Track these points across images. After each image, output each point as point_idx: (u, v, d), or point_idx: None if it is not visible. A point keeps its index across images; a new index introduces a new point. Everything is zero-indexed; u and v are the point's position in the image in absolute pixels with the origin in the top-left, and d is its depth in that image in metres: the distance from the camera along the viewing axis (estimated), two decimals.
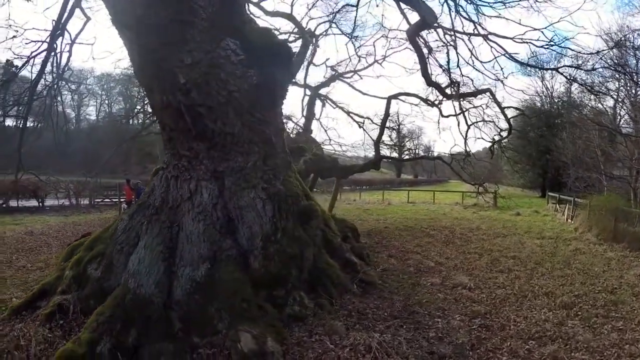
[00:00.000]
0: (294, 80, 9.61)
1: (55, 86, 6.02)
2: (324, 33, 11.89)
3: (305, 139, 12.13)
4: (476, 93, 10.28)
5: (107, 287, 3.77)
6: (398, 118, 28.83)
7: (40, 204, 14.40)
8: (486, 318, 4.52)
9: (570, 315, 4.63)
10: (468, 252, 7.92)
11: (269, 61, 4.63)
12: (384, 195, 23.16)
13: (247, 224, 4.65)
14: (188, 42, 3.99)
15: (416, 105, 11.68)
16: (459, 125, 12.28)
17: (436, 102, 10.90)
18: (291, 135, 12.00)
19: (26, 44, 5.82)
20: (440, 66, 9.80)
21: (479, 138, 27.11)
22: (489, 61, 13.16)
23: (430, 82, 9.32)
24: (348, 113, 12.80)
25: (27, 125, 6.15)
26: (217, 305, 3.83)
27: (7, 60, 6.88)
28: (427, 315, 4.65)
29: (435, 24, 7.88)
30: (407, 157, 36.87)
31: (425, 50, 8.79)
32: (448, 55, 10.93)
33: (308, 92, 11.99)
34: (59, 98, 6.57)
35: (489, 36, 8.39)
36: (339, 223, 7.20)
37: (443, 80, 10.10)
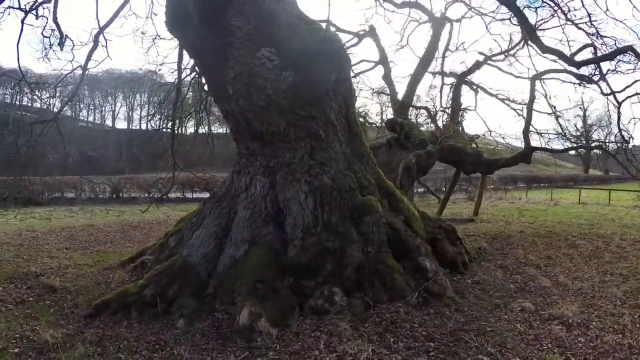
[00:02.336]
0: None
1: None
2: (462, 17, 10.44)
3: (451, 131, 10.99)
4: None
5: (176, 254, 5.07)
6: (583, 104, 21.14)
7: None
8: None
9: None
10: (610, 273, 5.71)
11: (304, 60, 4.87)
12: (552, 195, 19.77)
13: (292, 215, 5.05)
14: (229, 59, 4.83)
15: (579, 84, 8.30)
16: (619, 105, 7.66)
17: (594, 76, 7.39)
18: (429, 127, 11.16)
19: None
20: None
21: None
22: None
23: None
24: (503, 100, 10.59)
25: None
26: (241, 281, 4.45)
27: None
28: (474, 348, 3.65)
29: None
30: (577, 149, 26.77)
31: None
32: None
33: (448, 80, 10.82)
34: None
35: None
36: (429, 223, 6.35)
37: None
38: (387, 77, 11.89)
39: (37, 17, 5.75)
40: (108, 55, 6.45)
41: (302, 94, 4.96)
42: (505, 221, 10.53)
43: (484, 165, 9.48)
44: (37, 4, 6.06)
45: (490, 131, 11.19)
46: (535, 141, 9.76)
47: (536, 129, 9.81)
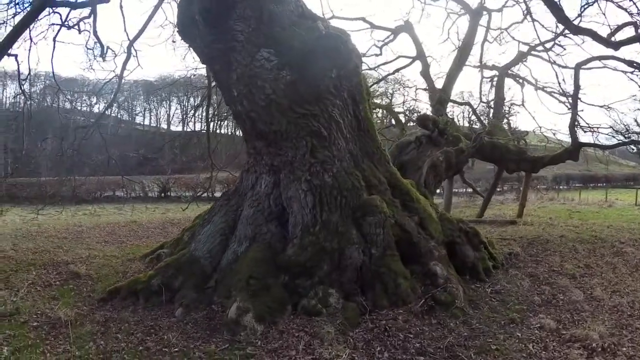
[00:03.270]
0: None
1: None
2: (504, 6, 9.55)
3: (487, 127, 10.23)
4: None
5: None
6: None
7: None
8: None
9: None
10: None
11: (302, 58, 4.90)
12: (608, 195, 18.45)
13: (294, 214, 5.14)
14: (232, 63, 5.04)
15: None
16: None
17: None
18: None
19: None
20: None
21: None
22: None
23: None
24: (551, 93, 9.48)
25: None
26: (238, 277, 4.61)
27: None
28: None
29: None
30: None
31: None
32: None
33: (487, 73, 10.00)
34: None
35: None
36: (449, 225, 5.97)
37: None
38: (425, 73, 11.45)
39: (79, 31, 6.57)
40: (139, 65, 7.17)
41: (301, 91, 4.99)
42: (550, 224, 9.52)
43: (528, 163, 8.67)
44: (78, 20, 6.96)
45: (540, 127, 10.13)
46: (585, 137, 8.70)
47: (588, 124, 8.68)
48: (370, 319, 4.24)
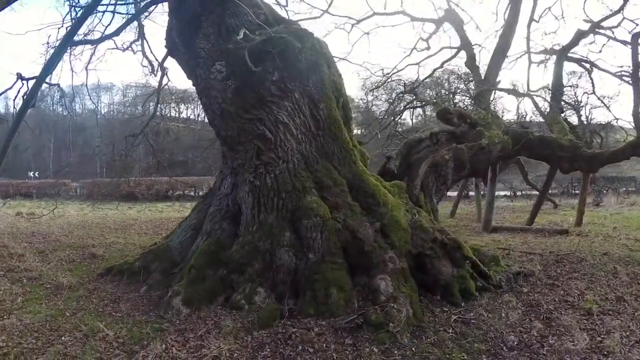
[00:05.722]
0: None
1: None
2: None
3: (550, 119, 8.62)
4: None
5: None
6: None
7: None
8: None
9: None
10: None
11: (245, 65, 5.36)
12: None
13: (244, 214, 5.74)
14: (197, 77, 5.91)
15: None
16: None
17: None
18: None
19: None
20: None
21: None
22: None
23: None
24: (621, 77, 7.20)
25: None
26: (187, 266, 5.56)
27: None
28: None
29: None
30: None
31: None
32: None
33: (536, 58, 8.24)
34: None
35: None
36: (421, 235, 5.59)
37: None
38: (470, 63, 10.38)
39: (134, 52, 8.62)
40: (169, 80, 8.85)
41: (246, 97, 5.48)
42: (609, 235, 7.66)
43: (584, 161, 7.10)
44: (130, 43, 9.01)
45: (617, 119, 8.01)
46: None
47: None
48: (284, 324, 4.34)
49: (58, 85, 6.91)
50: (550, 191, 15.19)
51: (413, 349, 3.91)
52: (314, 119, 5.88)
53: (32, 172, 30.30)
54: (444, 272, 5.28)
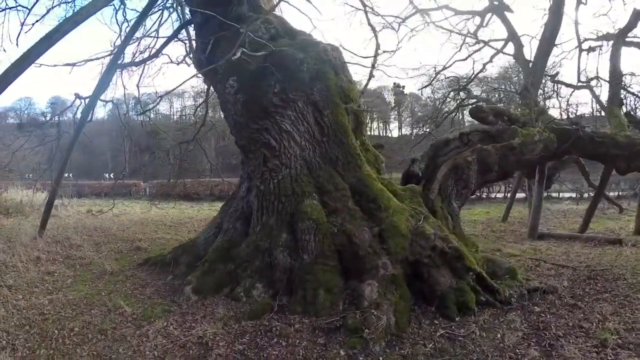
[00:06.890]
0: None
1: None
2: None
3: (608, 113, 7.63)
4: None
5: None
6: None
7: None
8: None
9: None
10: None
11: (251, 79, 5.95)
12: None
13: (253, 215, 6.33)
14: (218, 92, 6.70)
15: None
16: None
17: None
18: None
19: None
20: None
21: None
22: None
23: None
24: None
25: None
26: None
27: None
28: None
29: None
30: None
31: None
32: None
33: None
34: None
35: None
36: (421, 241, 5.50)
37: None
38: (518, 56, 9.59)
39: (188, 65, 9.87)
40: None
41: (252, 109, 6.05)
42: None
43: None
44: (183, 57, 10.32)
45: None
46: None
47: None
48: (271, 317, 4.73)
49: (112, 101, 8.29)
50: (619, 193, 13.06)
51: (381, 358, 3.96)
52: (319, 125, 6.22)
53: (107, 174, 35.32)
54: (442, 282, 5.14)
